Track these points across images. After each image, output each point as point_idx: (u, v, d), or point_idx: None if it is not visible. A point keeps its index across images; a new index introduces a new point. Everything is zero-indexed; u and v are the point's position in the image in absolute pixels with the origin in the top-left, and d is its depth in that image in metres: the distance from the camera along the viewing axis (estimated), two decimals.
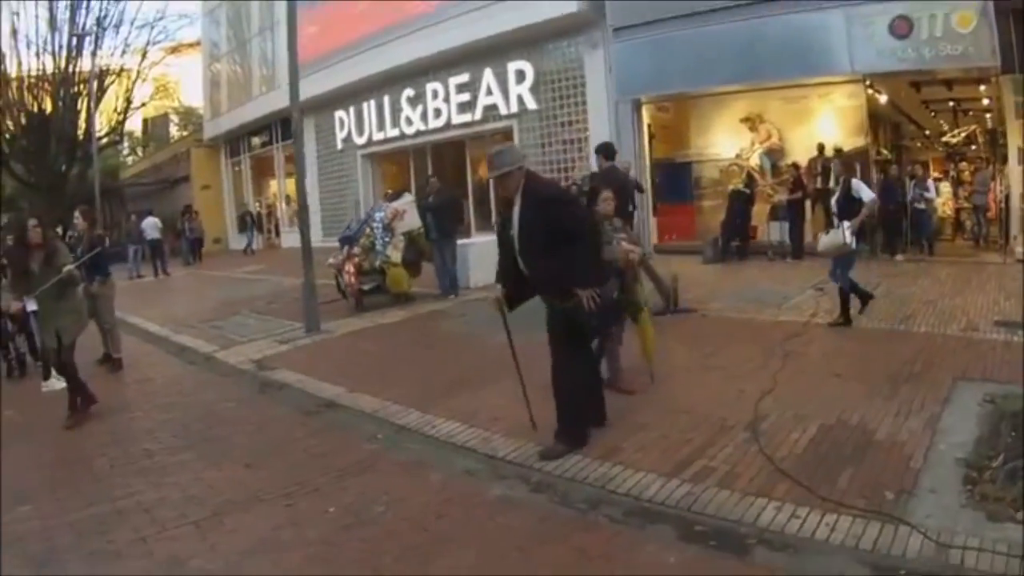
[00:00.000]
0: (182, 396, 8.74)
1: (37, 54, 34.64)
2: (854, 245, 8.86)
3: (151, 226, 26.46)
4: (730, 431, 5.82)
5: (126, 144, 47.10)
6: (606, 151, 11.25)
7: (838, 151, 14.13)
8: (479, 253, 14.10)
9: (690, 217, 16.55)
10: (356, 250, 13.19)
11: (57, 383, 9.16)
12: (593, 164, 12.66)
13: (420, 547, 4.59)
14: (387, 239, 13.21)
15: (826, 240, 9.07)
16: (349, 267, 13.11)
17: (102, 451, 6.82)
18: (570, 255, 5.62)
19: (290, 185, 30.31)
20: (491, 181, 6.23)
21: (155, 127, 46.06)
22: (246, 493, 5.56)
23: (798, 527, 4.35)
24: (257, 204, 33.12)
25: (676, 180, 16.74)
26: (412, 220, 13.56)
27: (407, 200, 14.14)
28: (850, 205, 8.78)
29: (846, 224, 8.69)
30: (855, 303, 9.08)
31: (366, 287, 13.19)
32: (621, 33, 16.23)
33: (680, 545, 4.41)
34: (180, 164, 36.43)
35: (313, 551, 4.65)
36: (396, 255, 13.25)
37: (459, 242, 14.38)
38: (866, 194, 8.84)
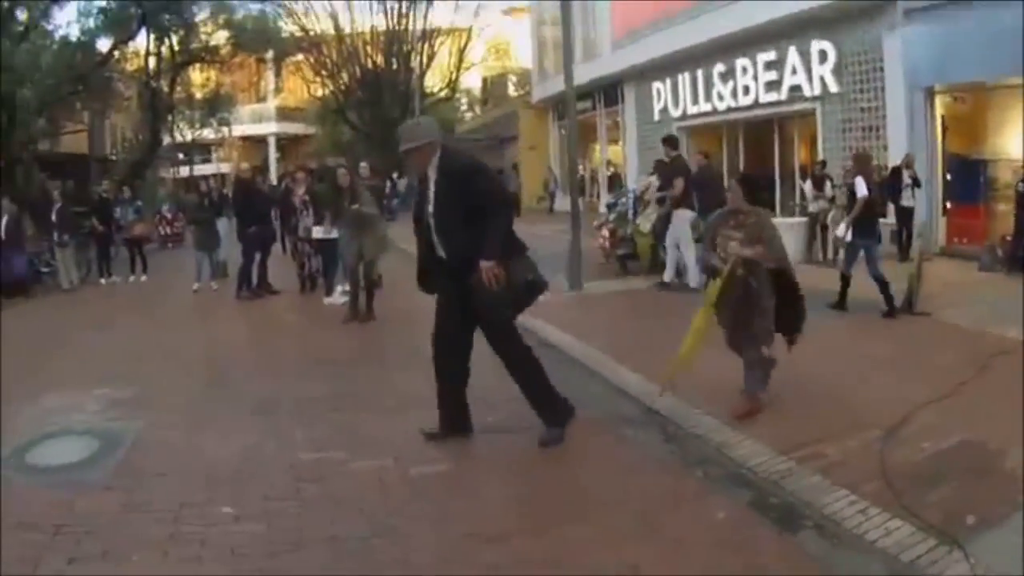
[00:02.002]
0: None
1: (371, 12, 37.84)
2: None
3: None
4: (867, 429, 5.71)
5: (464, 100, 50.03)
6: (672, 142, 13.07)
7: None
8: None
9: (982, 220, 15.25)
10: (612, 216, 13.71)
11: (339, 299, 12.54)
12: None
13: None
14: (637, 209, 13.56)
15: None
16: (604, 232, 13.66)
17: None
18: (480, 228, 5.52)
19: (612, 151, 31.02)
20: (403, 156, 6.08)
21: (494, 86, 48.31)
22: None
23: (858, 524, 4.35)
24: (581, 167, 34.11)
25: (968, 179, 15.46)
26: None
27: None
28: None
29: None
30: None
31: (620, 252, 13.68)
32: (913, 15, 15.13)
33: (744, 510, 4.71)
34: (510, 123, 38.01)
35: None
36: (646, 225, 13.54)
37: None
38: None
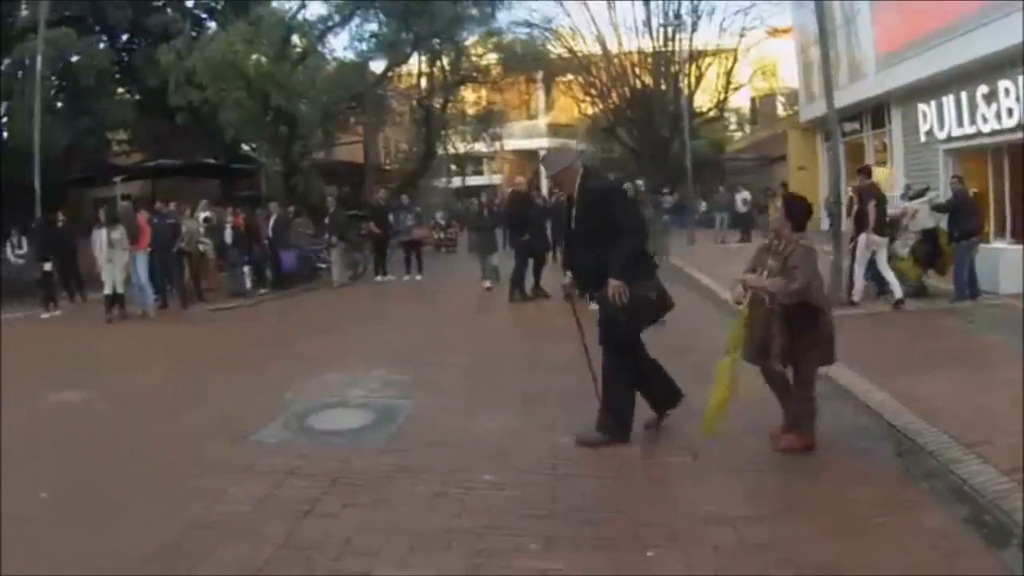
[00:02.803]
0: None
1: (636, 33, 38.14)
2: None
3: (741, 200, 28.26)
4: None
5: (733, 120, 49.47)
6: (866, 171, 14.18)
7: None
8: (1013, 259, 13.34)
9: None
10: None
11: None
12: None
13: None
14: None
15: None
16: None
17: None
18: (612, 248, 5.95)
19: (881, 173, 29.67)
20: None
21: (763, 105, 47.42)
22: None
23: None
24: (849, 189, 32.83)
25: None
26: (924, 219, 13.42)
27: (923, 200, 13.90)
28: None
29: None
30: None
31: None
32: None
33: (958, 523, 4.77)
34: (778, 143, 37.15)
35: None
36: (903, 249, 13.40)
37: (990, 246, 13.82)
38: None
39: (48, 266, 17.55)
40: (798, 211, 6.06)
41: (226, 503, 5.43)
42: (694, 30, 38.32)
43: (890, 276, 12.70)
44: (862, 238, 12.87)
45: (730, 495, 5.34)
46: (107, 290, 16.16)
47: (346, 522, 5.06)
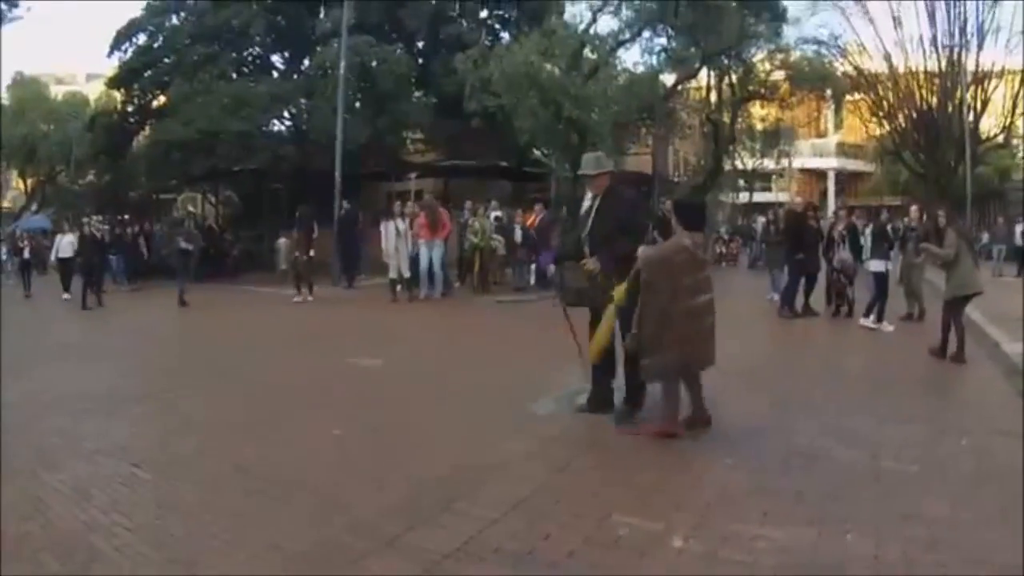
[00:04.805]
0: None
1: (923, 52, 36.54)
2: None
3: (1021, 232, 26.92)
4: None
5: (1022, 147, 46.43)
6: None
7: None
8: None
9: None
10: None
11: (887, 326, 13.88)
12: None
13: None
14: None
15: None
16: None
17: None
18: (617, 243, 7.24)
19: None
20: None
21: None
22: None
23: None
24: None
25: None
26: None
27: None
28: None
29: None
30: None
31: None
32: None
33: None
34: None
35: None
36: None
37: None
38: None
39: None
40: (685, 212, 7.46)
41: (498, 454, 6.51)
42: (980, 49, 36.35)
43: None
44: None
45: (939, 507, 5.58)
46: (392, 274, 18.04)
47: (592, 478, 6.03)
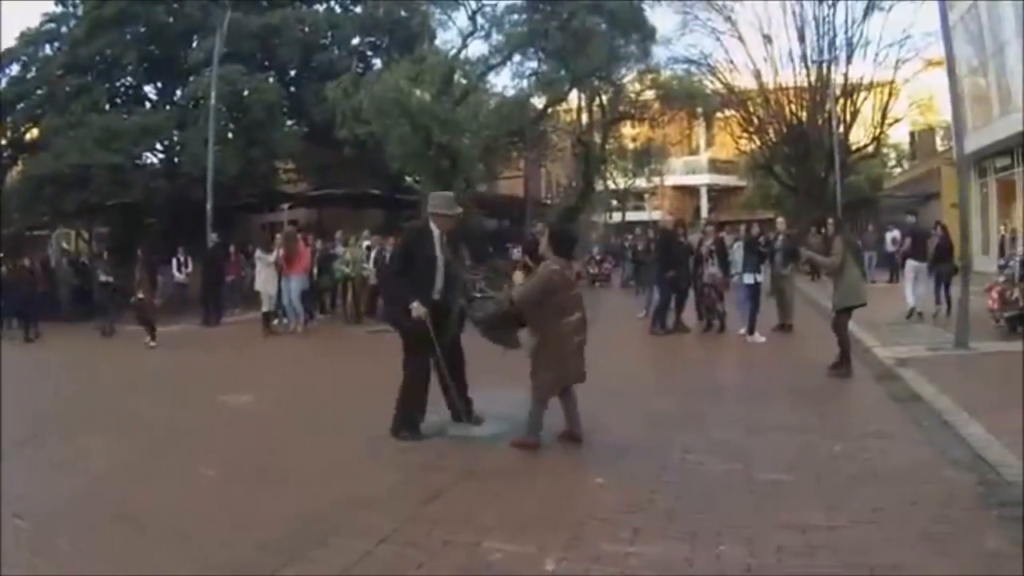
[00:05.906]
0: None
1: (793, 68, 37.93)
2: None
3: (891, 239, 27.91)
4: None
5: (892, 155, 48.35)
6: None
7: None
8: None
9: None
10: (1001, 279, 13.93)
11: (759, 338, 14.52)
12: None
13: None
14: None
15: None
16: (993, 293, 13.57)
17: None
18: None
19: None
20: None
21: (921, 141, 46.23)
22: None
23: None
24: (1002, 228, 31.83)
25: None
26: None
27: None
28: None
29: None
30: None
31: (1006, 315, 13.21)
32: None
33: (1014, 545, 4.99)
34: (934, 180, 36.28)
35: None
36: None
37: None
38: None
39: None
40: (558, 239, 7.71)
41: (371, 485, 6.61)
42: (848, 63, 37.84)
43: None
44: None
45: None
46: (265, 307, 18.32)
47: (464, 505, 6.10)
